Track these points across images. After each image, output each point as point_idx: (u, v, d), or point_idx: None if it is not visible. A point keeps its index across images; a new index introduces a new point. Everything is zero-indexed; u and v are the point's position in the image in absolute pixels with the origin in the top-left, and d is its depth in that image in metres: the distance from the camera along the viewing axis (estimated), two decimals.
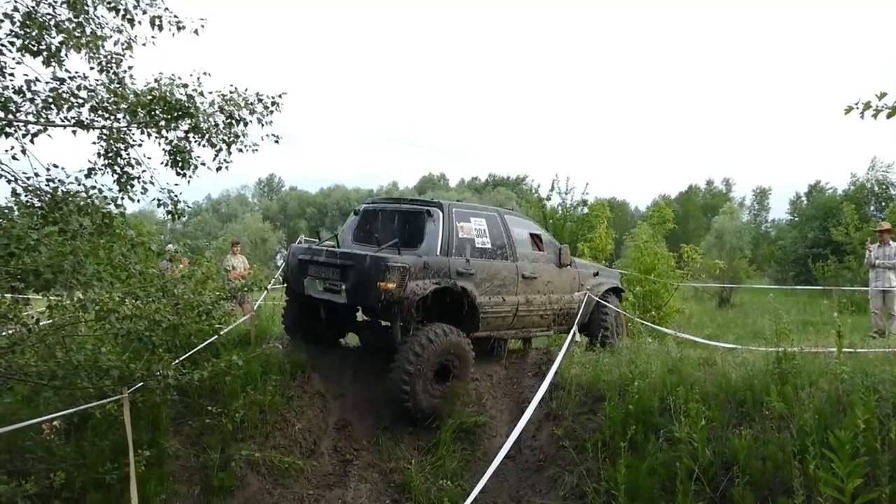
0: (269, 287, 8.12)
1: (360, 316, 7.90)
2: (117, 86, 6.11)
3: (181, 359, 6.02)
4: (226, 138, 7.20)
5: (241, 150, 7.31)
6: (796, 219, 34.72)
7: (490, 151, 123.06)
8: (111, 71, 6.10)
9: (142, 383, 5.56)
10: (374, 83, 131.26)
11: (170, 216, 7.07)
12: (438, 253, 6.77)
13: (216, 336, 6.62)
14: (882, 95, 2.55)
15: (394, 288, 6.22)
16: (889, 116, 2.55)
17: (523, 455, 6.08)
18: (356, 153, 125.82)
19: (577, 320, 7.38)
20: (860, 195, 29.69)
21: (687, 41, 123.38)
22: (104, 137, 6.05)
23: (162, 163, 7.05)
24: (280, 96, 7.22)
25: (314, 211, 75.76)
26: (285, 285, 8.00)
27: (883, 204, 27.74)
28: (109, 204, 5.86)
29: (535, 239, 8.17)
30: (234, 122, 7.17)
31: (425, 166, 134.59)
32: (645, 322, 7.12)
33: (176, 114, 6.59)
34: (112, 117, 6.11)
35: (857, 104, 2.59)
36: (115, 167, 6.21)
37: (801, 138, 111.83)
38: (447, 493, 5.56)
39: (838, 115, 2.59)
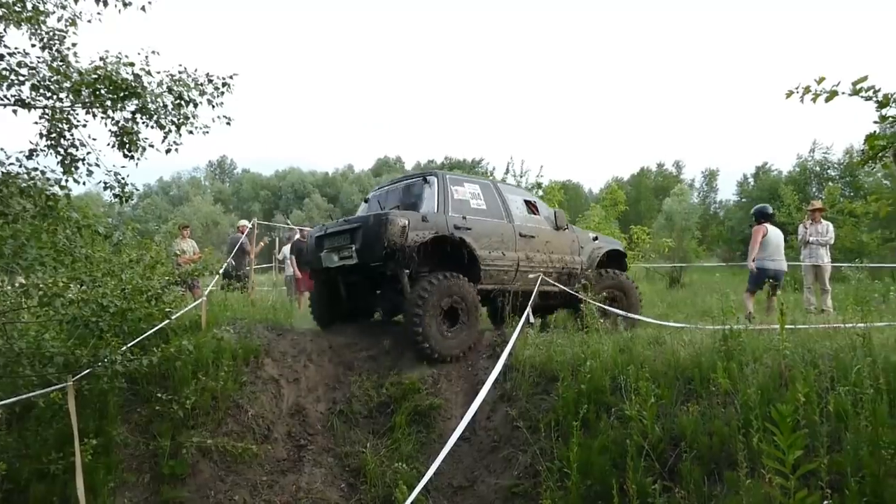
0: (219, 271, 7.99)
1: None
2: (60, 63, 5.88)
3: (130, 345, 5.89)
4: (175, 119, 7.01)
5: (191, 132, 7.14)
6: (743, 200, 35.67)
7: (446, 134, 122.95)
8: (54, 48, 5.87)
9: (88, 370, 5.42)
10: (332, 65, 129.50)
11: (117, 199, 6.87)
12: (436, 211, 7.48)
13: (167, 321, 6.48)
14: (821, 80, 2.62)
15: (396, 237, 6.90)
16: (827, 100, 2.62)
17: (478, 436, 6.13)
18: (312, 136, 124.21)
19: (531, 301, 7.44)
20: (802, 177, 30.62)
21: (640, 27, 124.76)
22: (47, 117, 5.83)
23: (108, 144, 6.83)
24: (231, 77, 7.05)
25: (268, 194, 74.52)
26: (308, 270, 9.00)
27: (822, 185, 28.64)
28: (53, 186, 5.67)
29: (531, 205, 8.82)
30: (183, 103, 6.98)
31: (381, 149, 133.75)
32: (596, 303, 7.21)
33: (122, 94, 6.38)
34: (55, 96, 5.89)
35: (797, 88, 2.66)
36: (59, 148, 6.00)
37: (750, 121, 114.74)
38: (402, 476, 5.58)
39: (784, 99, 2.65)
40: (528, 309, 7.33)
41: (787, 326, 5.24)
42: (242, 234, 13.15)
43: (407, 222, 7.05)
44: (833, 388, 4.38)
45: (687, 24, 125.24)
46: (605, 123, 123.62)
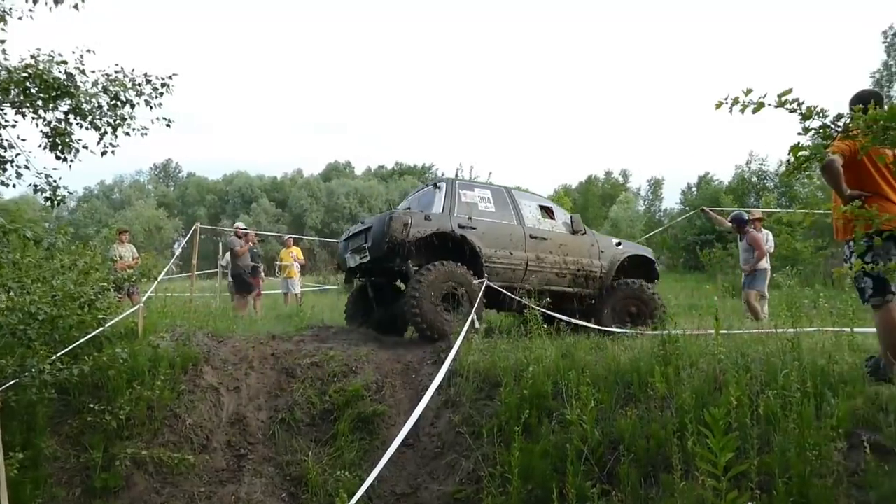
0: (158, 277, 7.79)
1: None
2: None
3: (60, 353, 5.67)
4: (111, 120, 6.83)
5: (128, 134, 6.96)
6: (686, 208, 36.62)
7: (397, 140, 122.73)
8: None
9: (14, 381, 5.20)
10: (282, 68, 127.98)
11: (48, 203, 6.65)
12: (441, 212, 8.09)
13: (100, 329, 6.27)
14: (748, 91, 2.71)
15: (398, 234, 7.52)
16: (754, 111, 2.71)
17: (422, 442, 6.10)
18: (261, 139, 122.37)
19: (475, 306, 7.48)
20: (742, 186, 31.66)
21: (591, 37, 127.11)
22: None
23: (40, 146, 6.60)
24: (171, 77, 6.91)
25: (214, 198, 72.94)
26: (341, 273, 9.94)
27: (760, 194, 29.68)
28: None
29: (546, 210, 9.20)
30: (119, 103, 6.80)
31: (331, 154, 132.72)
32: (541, 309, 7.28)
33: (54, 93, 6.19)
34: None
35: (726, 99, 2.75)
36: None
37: (694, 131, 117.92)
38: (345, 485, 5.50)
39: (725, 110, 2.73)
40: (473, 314, 7.36)
41: (721, 332, 5.39)
42: (238, 237, 13.35)
43: (409, 220, 7.70)
44: (763, 392, 4.51)
45: (638, 35, 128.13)
46: (556, 131, 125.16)
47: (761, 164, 32.67)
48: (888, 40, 34.55)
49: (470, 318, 7.19)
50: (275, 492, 5.87)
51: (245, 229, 13.82)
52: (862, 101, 3.94)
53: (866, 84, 34.15)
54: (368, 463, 5.98)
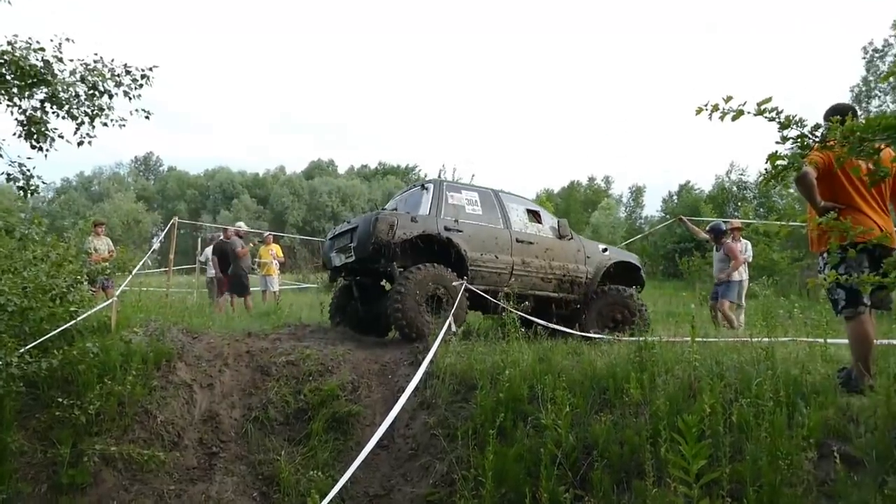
0: (133, 271, 7.68)
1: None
2: None
3: (29, 346, 5.57)
4: (88, 110, 6.73)
5: (106, 125, 6.87)
6: (666, 216, 36.95)
7: (381, 140, 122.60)
8: None
9: None
10: (268, 66, 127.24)
11: (21, 192, 6.53)
12: (428, 214, 8.06)
13: (72, 322, 6.17)
14: (728, 99, 2.73)
15: (384, 235, 7.50)
16: (734, 119, 2.73)
17: (396, 444, 6.07)
18: (244, 136, 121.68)
19: (453, 309, 7.46)
20: (721, 196, 31.98)
21: (576, 44, 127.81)
22: None
23: (14, 134, 6.49)
24: (151, 69, 6.82)
25: (195, 193, 72.30)
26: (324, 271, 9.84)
27: (739, 204, 30.02)
28: None
29: (533, 214, 9.21)
30: (97, 93, 6.71)
31: (314, 152, 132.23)
32: (520, 313, 7.28)
33: (30, 80, 6.08)
34: None
35: (706, 106, 2.76)
36: None
37: (676, 140, 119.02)
38: (317, 485, 5.45)
39: (710, 119, 2.75)
40: (450, 317, 7.34)
41: (697, 339, 5.42)
42: (239, 237, 13.38)
43: (395, 221, 7.68)
44: (737, 400, 4.54)
45: (625, 42, 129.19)
46: (540, 135, 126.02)
47: (741, 174, 33.08)
48: (868, 55, 35.13)
49: (448, 321, 7.16)
50: (246, 491, 5.80)
51: (247, 230, 13.89)
52: (837, 113, 3.98)
53: (846, 98, 34.72)
54: (342, 463, 5.93)
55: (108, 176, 74.74)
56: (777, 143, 2.70)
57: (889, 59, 33.97)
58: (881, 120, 2.35)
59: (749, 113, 2.68)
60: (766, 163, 2.68)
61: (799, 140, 2.65)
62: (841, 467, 3.78)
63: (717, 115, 2.74)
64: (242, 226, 14.35)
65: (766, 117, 2.65)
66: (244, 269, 12.99)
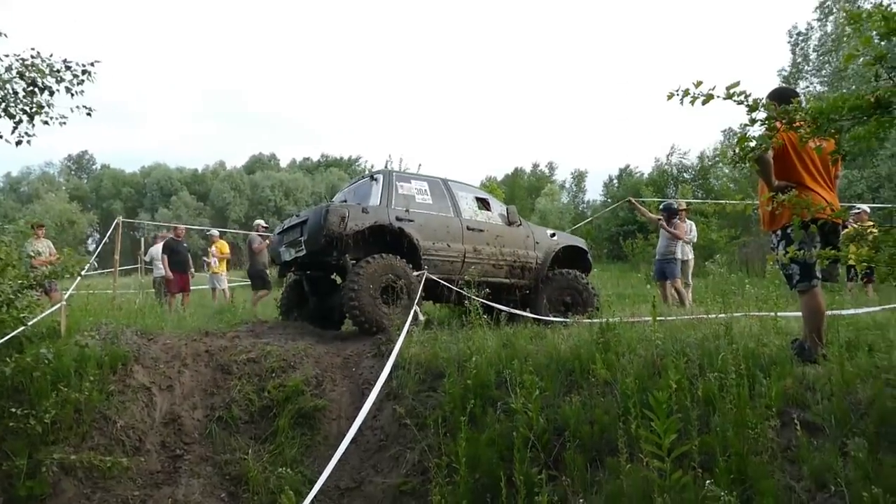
0: (81, 274, 7.42)
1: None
2: None
3: None
4: (27, 108, 6.47)
5: (46, 123, 6.62)
6: (609, 200, 37.69)
7: (322, 131, 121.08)
8: None
9: None
10: (203, 58, 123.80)
11: None
12: (379, 204, 8.03)
13: (21, 328, 5.93)
14: (698, 84, 2.82)
15: (335, 227, 7.45)
16: (704, 103, 2.82)
17: (364, 436, 6.04)
18: (180, 131, 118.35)
19: (416, 298, 7.48)
20: (662, 179, 32.80)
21: (519, 29, 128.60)
22: None
23: None
24: (92, 64, 6.58)
25: (131, 191, 70.09)
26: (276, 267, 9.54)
27: (678, 186, 30.87)
28: None
29: (482, 202, 9.27)
30: (37, 90, 6.45)
31: (255, 146, 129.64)
32: (482, 300, 7.33)
33: None
34: None
35: (677, 91, 2.84)
36: None
37: (616, 125, 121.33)
38: (287, 481, 5.40)
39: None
40: (416, 306, 7.35)
41: (657, 318, 5.58)
42: (261, 232, 13.35)
43: (346, 213, 7.62)
44: (702, 375, 4.69)
45: (563, 31, 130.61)
46: (483, 123, 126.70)
47: (682, 157, 33.97)
48: (793, 39, 36.42)
49: (413, 310, 7.16)
50: (214, 492, 5.70)
51: (265, 226, 13.87)
52: (780, 97, 4.14)
53: (775, 81, 35.95)
54: (310, 459, 5.89)
55: (37, 176, 71.64)
56: (745, 125, 2.80)
57: (813, 42, 35.26)
58: (848, 100, 2.46)
59: (719, 97, 2.77)
60: (736, 145, 2.78)
61: (767, 122, 2.75)
62: (802, 433, 3.96)
63: (687, 99, 2.83)
64: (262, 223, 14.23)
65: (735, 101, 2.75)
66: (262, 264, 12.84)
